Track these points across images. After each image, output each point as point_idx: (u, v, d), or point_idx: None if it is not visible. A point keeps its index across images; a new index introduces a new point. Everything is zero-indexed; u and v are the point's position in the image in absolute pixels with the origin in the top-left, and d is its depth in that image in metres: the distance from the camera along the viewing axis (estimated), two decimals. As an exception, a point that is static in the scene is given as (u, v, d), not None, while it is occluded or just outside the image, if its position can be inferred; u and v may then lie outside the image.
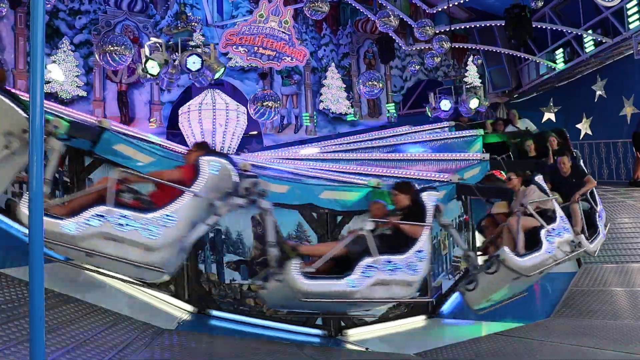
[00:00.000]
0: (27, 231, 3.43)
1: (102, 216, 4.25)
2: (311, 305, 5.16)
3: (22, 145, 4.47)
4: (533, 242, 6.29)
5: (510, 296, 6.61)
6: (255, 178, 4.88)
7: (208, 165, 4.72)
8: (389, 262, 5.06)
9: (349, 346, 7.19)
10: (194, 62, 10.04)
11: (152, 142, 7.95)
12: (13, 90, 5.24)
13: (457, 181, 8.20)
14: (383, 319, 7.78)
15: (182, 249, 4.72)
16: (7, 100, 4.40)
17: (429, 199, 5.57)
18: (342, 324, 7.47)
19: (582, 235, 7.37)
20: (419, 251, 5.27)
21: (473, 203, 9.21)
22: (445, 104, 15.62)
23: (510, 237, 6.30)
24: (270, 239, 4.80)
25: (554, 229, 6.52)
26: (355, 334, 7.45)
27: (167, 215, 4.43)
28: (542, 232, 6.35)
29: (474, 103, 15.36)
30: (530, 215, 6.39)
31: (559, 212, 6.81)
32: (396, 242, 5.35)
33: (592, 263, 9.53)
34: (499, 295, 6.43)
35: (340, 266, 5.07)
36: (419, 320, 8.11)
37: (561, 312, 7.91)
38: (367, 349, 6.92)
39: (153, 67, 10.04)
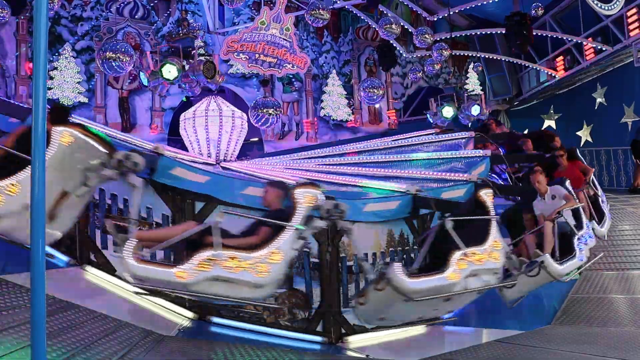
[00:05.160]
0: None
1: None
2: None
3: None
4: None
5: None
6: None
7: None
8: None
9: (350, 353, 7.19)
10: (169, 71, 10.08)
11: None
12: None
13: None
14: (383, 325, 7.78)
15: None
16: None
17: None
18: (343, 330, 7.47)
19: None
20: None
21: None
22: (448, 111, 15.63)
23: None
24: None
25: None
26: (355, 341, 7.44)
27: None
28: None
29: (475, 110, 15.41)
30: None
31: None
32: None
33: (593, 270, 9.52)
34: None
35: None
36: (419, 327, 8.10)
37: (561, 320, 7.91)
38: (367, 356, 6.91)
39: (170, 72, 10.08)
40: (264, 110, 12.20)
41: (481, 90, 20.48)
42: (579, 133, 18.23)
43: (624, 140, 15.81)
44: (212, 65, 10.68)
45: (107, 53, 10.12)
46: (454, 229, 5.36)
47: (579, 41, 17.15)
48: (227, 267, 4.48)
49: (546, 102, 20.28)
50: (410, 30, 18.44)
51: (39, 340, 2.68)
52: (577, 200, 7.11)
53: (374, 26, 18.07)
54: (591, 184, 8.40)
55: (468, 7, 18.03)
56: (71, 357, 4.24)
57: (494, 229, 5.69)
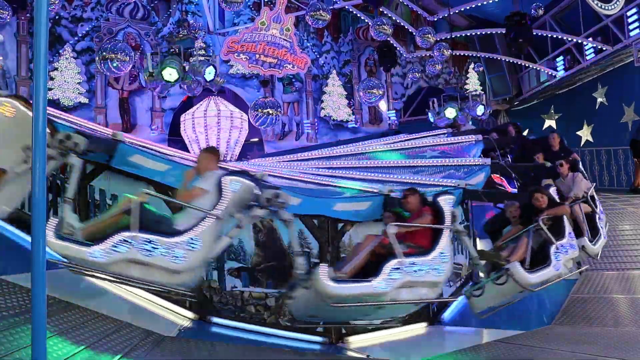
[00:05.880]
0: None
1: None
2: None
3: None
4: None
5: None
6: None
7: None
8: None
9: (350, 353, 7.19)
10: (170, 74, 10.00)
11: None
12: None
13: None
14: (384, 326, 7.78)
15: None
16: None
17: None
18: (343, 331, 7.47)
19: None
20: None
21: (474, 208, 9.24)
22: (450, 112, 15.55)
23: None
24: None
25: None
26: (356, 341, 7.44)
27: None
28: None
29: (480, 110, 15.37)
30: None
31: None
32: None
33: (593, 270, 9.53)
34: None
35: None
36: (420, 328, 8.11)
37: (562, 320, 7.91)
38: (368, 356, 6.91)
39: (171, 74, 10.00)
40: (264, 111, 12.18)
41: (481, 90, 20.48)
42: (579, 133, 18.22)
43: (625, 140, 15.81)
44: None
45: (106, 53, 10.09)
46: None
47: (579, 41, 17.14)
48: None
49: (546, 102, 20.27)
50: (410, 30, 18.46)
51: (40, 341, 2.69)
52: None
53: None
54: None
55: (468, 7, 18.02)
56: (71, 358, 4.24)
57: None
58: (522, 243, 6.39)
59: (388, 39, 15.65)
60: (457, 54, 20.35)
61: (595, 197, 8.40)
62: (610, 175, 16.33)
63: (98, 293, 6.33)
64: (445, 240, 5.47)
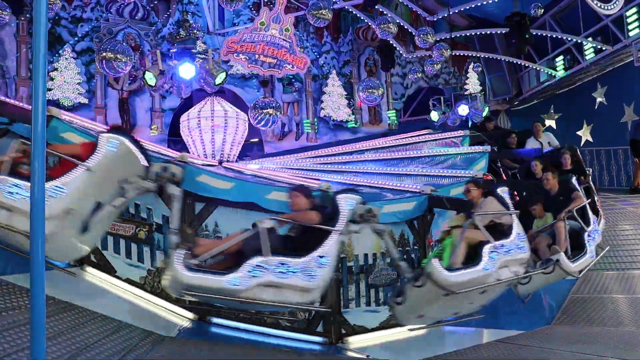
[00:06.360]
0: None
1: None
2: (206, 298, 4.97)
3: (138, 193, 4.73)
4: (472, 257, 5.69)
5: (451, 315, 6.22)
6: (167, 163, 4.77)
7: (106, 142, 4.63)
8: (282, 264, 4.67)
9: (350, 353, 7.19)
10: (150, 78, 10.14)
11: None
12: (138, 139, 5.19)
13: (429, 193, 8.13)
14: (384, 326, 7.78)
15: (84, 224, 4.59)
16: (132, 148, 4.68)
17: (345, 202, 5.13)
18: (343, 331, 7.47)
19: (562, 254, 6.67)
20: (321, 256, 4.84)
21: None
22: (463, 109, 15.57)
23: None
24: (173, 225, 4.62)
25: (502, 246, 5.81)
26: (355, 341, 7.45)
27: (56, 187, 4.35)
28: (485, 248, 5.67)
29: (462, 110, 15.43)
30: (477, 228, 5.83)
31: (517, 229, 6.09)
32: (300, 245, 5.01)
33: (593, 270, 9.51)
34: (433, 313, 5.94)
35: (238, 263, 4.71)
36: (420, 328, 8.10)
37: (562, 320, 7.90)
38: (367, 356, 6.92)
39: (151, 79, 10.18)
40: (264, 111, 12.17)
41: (481, 90, 20.47)
42: (579, 133, 18.22)
43: (624, 139, 15.80)
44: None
45: (106, 53, 10.08)
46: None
47: (579, 41, 17.14)
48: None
49: (546, 101, 20.27)
50: (410, 30, 18.44)
51: (39, 342, 2.68)
52: None
53: (373, 26, 18.06)
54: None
55: (468, 7, 18.02)
56: (71, 359, 4.24)
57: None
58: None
59: (388, 39, 15.65)
60: (457, 54, 20.34)
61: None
62: (610, 175, 16.34)
63: (98, 293, 6.34)
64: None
